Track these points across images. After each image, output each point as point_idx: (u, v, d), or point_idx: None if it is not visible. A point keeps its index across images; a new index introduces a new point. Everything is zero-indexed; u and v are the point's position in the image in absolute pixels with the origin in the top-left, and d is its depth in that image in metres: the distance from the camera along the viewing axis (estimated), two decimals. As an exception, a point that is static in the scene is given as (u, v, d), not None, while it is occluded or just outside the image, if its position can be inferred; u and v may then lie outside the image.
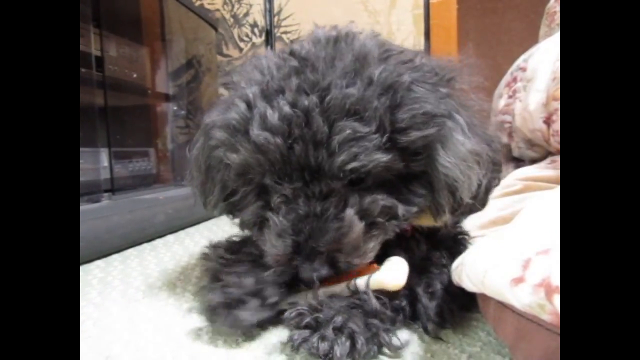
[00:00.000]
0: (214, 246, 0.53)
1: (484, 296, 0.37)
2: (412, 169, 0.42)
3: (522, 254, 0.30)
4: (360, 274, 0.42)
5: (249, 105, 0.41)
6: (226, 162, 0.44)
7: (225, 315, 0.40)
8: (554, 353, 0.27)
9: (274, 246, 0.41)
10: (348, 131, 0.38)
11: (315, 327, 0.37)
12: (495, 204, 0.54)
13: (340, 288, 0.42)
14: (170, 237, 0.92)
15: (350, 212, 0.40)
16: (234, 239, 0.55)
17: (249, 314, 0.40)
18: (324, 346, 0.35)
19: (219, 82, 0.50)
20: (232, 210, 0.50)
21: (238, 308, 0.40)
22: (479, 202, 0.44)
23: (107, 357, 0.39)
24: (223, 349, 0.40)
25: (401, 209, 0.42)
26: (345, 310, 0.38)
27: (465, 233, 0.51)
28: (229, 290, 0.41)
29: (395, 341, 0.38)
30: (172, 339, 0.42)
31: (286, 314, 0.39)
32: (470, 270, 0.37)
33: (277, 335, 0.43)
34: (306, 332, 0.37)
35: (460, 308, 0.43)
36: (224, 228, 1.01)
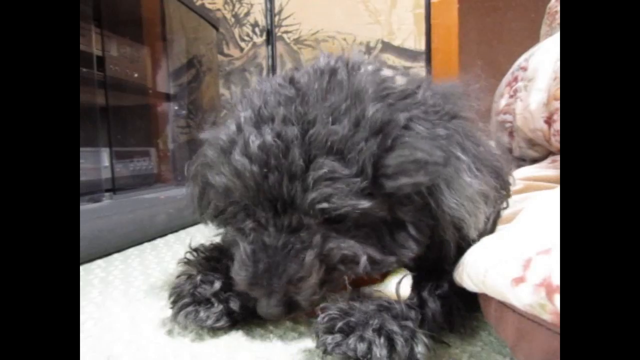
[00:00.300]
0: (196, 250, 0.52)
1: (485, 296, 0.37)
2: (398, 216, 0.40)
3: (522, 253, 0.30)
4: (363, 283, 0.42)
5: (239, 129, 0.41)
6: (208, 180, 0.44)
7: (190, 312, 0.42)
8: (555, 353, 0.27)
9: (236, 273, 0.41)
10: (325, 169, 0.36)
11: (348, 331, 0.36)
12: (497, 203, 0.54)
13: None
14: (171, 237, 0.92)
15: (310, 256, 0.39)
16: (216, 244, 0.54)
17: (212, 317, 0.42)
18: (362, 347, 0.34)
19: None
20: (226, 225, 0.51)
21: (203, 308, 0.42)
22: (487, 233, 0.42)
23: (108, 357, 0.39)
24: (225, 349, 0.40)
25: (363, 261, 0.40)
26: (376, 314, 0.37)
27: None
28: (199, 290, 0.43)
29: (428, 342, 0.37)
30: (174, 339, 0.42)
31: (318, 319, 0.38)
32: (471, 270, 0.37)
33: (277, 334, 0.43)
34: (339, 337, 0.36)
35: (468, 311, 0.42)
36: (224, 228, 1.02)
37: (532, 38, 0.91)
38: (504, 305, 0.33)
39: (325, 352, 0.36)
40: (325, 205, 0.37)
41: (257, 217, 0.41)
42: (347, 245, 0.40)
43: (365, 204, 0.37)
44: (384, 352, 0.34)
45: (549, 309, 0.26)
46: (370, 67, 0.45)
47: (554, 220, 0.31)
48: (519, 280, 0.29)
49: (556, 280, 0.26)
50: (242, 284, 0.40)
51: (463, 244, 0.41)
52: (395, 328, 0.36)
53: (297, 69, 0.47)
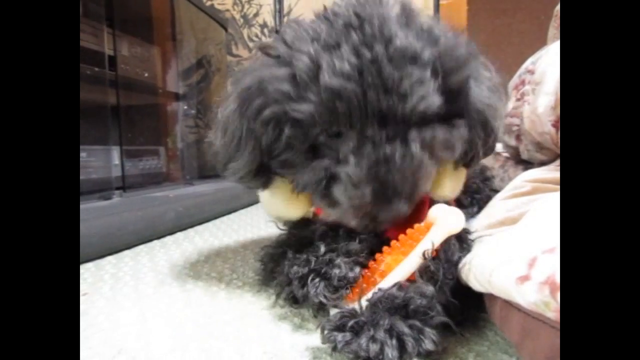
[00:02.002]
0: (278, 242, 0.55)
1: (491, 296, 0.37)
2: (452, 110, 0.45)
3: (528, 252, 0.30)
4: (419, 235, 0.44)
5: (311, 58, 0.42)
6: (280, 116, 0.45)
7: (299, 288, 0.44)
8: (558, 350, 0.27)
9: (351, 197, 0.43)
10: (415, 76, 0.41)
11: (357, 329, 0.36)
12: (504, 205, 0.54)
13: (414, 262, 0.42)
14: (179, 235, 0.93)
15: (417, 149, 0.43)
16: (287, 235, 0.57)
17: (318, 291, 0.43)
18: (374, 347, 0.35)
19: (255, 49, 0.54)
20: (265, 180, 0.52)
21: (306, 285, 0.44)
22: (492, 145, 0.51)
23: (119, 350, 0.40)
24: (233, 344, 0.41)
25: (458, 145, 0.47)
26: (385, 314, 0.37)
27: (469, 231, 0.52)
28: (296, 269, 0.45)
29: (436, 339, 0.37)
30: (182, 333, 0.43)
31: (331, 316, 0.39)
32: (477, 271, 0.37)
33: (284, 329, 0.43)
34: (349, 335, 0.36)
35: (470, 306, 0.43)
36: (232, 227, 1.02)
37: (542, 40, 0.91)
38: (509, 304, 0.34)
39: (334, 349, 0.36)
40: (424, 104, 0.42)
41: (350, 140, 0.43)
42: (442, 133, 0.45)
43: (440, 99, 0.43)
44: (396, 353, 0.35)
45: (553, 306, 0.27)
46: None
47: (560, 220, 0.32)
48: (524, 278, 0.29)
49: (559, 279, 0.26)
50: (362, 205, 0.42)
51: (486, 148, 0.51)
52: (406, 329, 0.36)
53: (325, 10, 0.49)
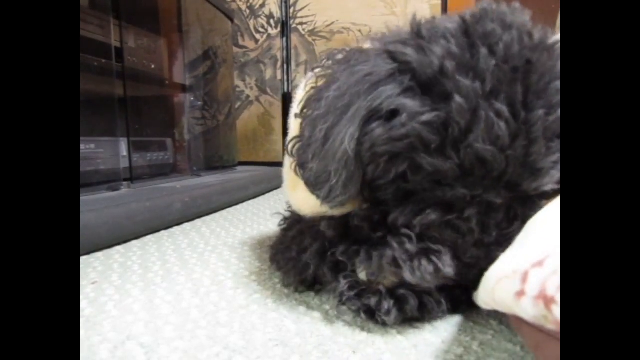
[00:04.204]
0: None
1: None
2: None
3: (520, 266, 0.30)
4: None
5: (470, 106, 0.33)
6: (400, 157, 0.36)
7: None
8: None
9: (448, 265, 0.38)
10: (557, 155, 0.34)
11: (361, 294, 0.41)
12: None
13: None
14: (187, 225, 0.94)
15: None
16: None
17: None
18: (373, 300, 0.39)
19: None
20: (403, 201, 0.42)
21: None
22: None
23: (127, 336, 0.40)
24: (239, 331, 0.41)
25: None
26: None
27: None
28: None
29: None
30: (190, 320, 0.43)
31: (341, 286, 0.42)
32: (481, 289, 0.36)
33: (290, 318, 0.44)
34: (353, 293, 0.41)
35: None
36: (239, 217, 1.03)
37: (553, 29, 0.89)
38: (519, 318, 0.33)
39: (339, 301, 0.41)
40: (550, 187, 0.35)
41: (477, 200, 0.36)
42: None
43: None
44: (391, 305, 0.39)
45: (550, 319, 0.27)
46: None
47: (547, 230, 0.32)
48: (521, 293, 0.29)
49: (550, 291, 0.27)
50: (448, 273, 0.38)
51: None
52: (407, 292, 0.39)
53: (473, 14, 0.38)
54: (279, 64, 2.06)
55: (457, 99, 0.33)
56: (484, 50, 0.34)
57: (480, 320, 0.43)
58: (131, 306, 0.48)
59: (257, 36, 2.12)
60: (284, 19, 1.82)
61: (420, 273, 0.37)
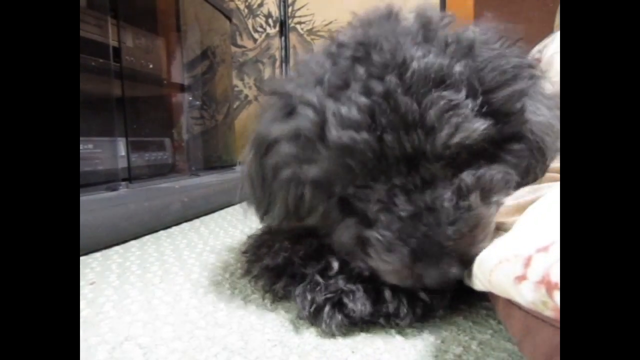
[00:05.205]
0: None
1: (493, 293, 0.37)
2: (505, 132, 0.37)
3: (523, 251, 0.30)
4: None
5: (315, 109, 0.36)
6: (296, 178, 0.39)
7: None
8: (557, 348, 0.27)
9: (387, 263, 0.36)
10: (442, 102, 0.33)
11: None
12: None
13: None
14: (185, 225, 0.94)
15: (473, 196, 0.35)
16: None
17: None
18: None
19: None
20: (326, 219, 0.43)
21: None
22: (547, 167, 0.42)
23: (126, 337, 0.40)
24: (237, 331, 0.41)
25: (514, 179, 0.38)
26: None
27: None
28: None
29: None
30: (188, 321, 0.43)
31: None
32: (477, 270, 0.36)
33: (288, 318, 0.44)
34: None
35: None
36: (237, 217, 1.03)
37: (549, 28, 0.89)
38: (511, 303, 0.33)
39: (294, 297, 0.42)
40: (460, 135, 0.34)
41: (377, 195, 0.36)
42: (495, 170, 0.37)
43: (484, 123, 0.35)
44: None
45: (550, 305, 0.27)
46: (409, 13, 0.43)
47: (553, 217, 0.32)
48: (522, 278, 0.29)
49: (555, 277, 0.26)
50: (400, 266, 0.35)
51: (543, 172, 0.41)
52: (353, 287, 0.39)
53: (333, 37, 0.43)
54: (278, 63, 2.05)
55: (301, 108, 0.37)
56: (328, 57, 0.40)
57: (480, 320, 0.43)
58: (129, 307, 0.47)
59: (256, 35, 2.11)
60: (283, 18, 1.82)
61: (332, 325, 0.38)
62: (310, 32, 2.07)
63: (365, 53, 0.37)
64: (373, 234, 0.36)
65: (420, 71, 0.34)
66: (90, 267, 0.63)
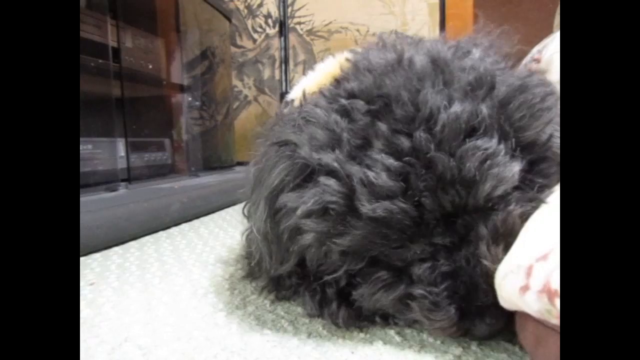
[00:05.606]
0: None
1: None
2: (532, 159, 0.36)
3: (524, 261, 0.30)
4: None
5: (339, 177, 0.34)
6: (321, 242, 0.36)
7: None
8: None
9: (434, 321, 0.35)
10: (478, 153, 0.32)
11: None
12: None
13: None
14: (185, 226, 0.94)
15: (495, 250, 0.34)
16: None
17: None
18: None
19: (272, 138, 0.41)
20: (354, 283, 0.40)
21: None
22: None
23: (125, 338, 0.40)
24: (237, 332, 0.41)
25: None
26: None
27: None
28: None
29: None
30: (188, 322, 0.43)
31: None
32: (495, 287, 0.36)
33: (287, 319, 0.44)
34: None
35: None
36: (237, 217, 1.03)
37: (549, 28, 0.89)
38: (525, 315, 0.33)
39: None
40: (503, 187, 0.33)
41: (419, 254, 0.35)
42: (514, 207, 0.35)
43: (519, 164, 0.34)
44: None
45: (554, 313, 0.27)
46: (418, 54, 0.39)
47: (551, 225, 0.32)
48: (525, 288, 0.29)
49: (554, 285, 0.27)
50: (448, 327, 0.34)
51: None
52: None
53: (340, 81, 0.40)
54: (277, 63, 2.05)
55: (323, 179, 0.34)
56: (341, 113, 0.36)
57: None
58: (129, 307, 0.47)
59: (255, 36, 2.11)
60: (282, 18, 1.82)
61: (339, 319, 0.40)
62: (309, 32, 2.07)
63: (384, 106, 0.34)
64: (418, 290, 0.35)
65: (450, 123, 0.32)
66: (90, 267, 0.63)
